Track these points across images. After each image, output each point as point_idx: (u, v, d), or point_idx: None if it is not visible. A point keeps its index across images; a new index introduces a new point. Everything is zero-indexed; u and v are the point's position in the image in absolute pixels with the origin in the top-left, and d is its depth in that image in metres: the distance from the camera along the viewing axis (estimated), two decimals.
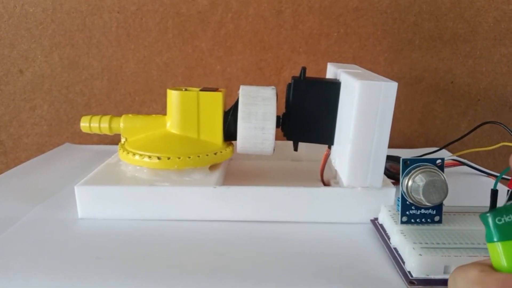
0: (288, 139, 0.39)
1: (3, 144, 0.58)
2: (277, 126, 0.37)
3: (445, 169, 0.29)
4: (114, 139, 0.52)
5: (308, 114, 0.37)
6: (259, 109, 0.36)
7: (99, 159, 0.46)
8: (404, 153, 0.46)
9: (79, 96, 0.56)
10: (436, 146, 0.54)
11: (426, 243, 0.27)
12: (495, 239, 0.19)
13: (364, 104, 0.31)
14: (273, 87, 0.38)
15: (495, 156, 0.55)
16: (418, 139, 0.58)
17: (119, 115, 0.41)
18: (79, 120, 0.41)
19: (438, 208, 0.30)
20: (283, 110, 0.38)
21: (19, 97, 0.56)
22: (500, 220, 0.19)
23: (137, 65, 0.55)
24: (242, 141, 0.37)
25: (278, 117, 0.37)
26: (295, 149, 0.39)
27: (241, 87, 0.37)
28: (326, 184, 0.40)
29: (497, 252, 0.19)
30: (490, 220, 0.19)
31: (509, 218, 0.19)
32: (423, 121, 0.59)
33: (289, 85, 0.37)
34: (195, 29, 0.54)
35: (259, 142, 0.37)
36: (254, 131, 0.36)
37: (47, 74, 0.55)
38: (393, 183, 0.35)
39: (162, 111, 0.40)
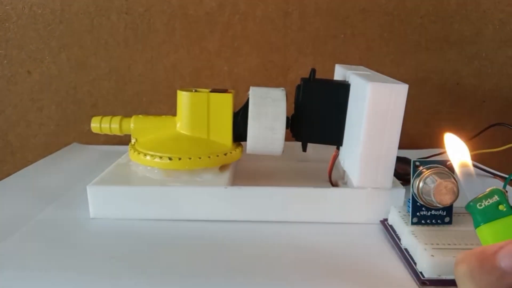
0: (297, 140, 0.39)
1: (10, 144, 0.58)
2: (286, 127, 0.37)
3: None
4: (121, 140, 0.52)
5: (317, 115, 0.38)
6: (269, 109, 0.36)
7: (107, 159, 0.46)
8: (410, 154, 0.46)
9: (86, 97, 0.57)
10: (441, 147, 0.54)
11: (437, 244, 0.27)
12: (480, 223, 0.21)
13: (375, 106, 0.31)
14: (282, 88, 0.38)
15: (501, 158, 0.55)
16: (423, 140, 0.59)
17: (126, 115, 0.41)
18: (87, 121, 0.41)
19: (449, 209, 0.30)
20: (290, 111, 0.38)
21: (27, 98, 0.57)
22: (480, 205, 0.21)
23: (145, 66, 0.56)
24: (252, 141, 0.37)
25: (287, 118, 0.37)
26: (304, 149, 0.39)
27: (251, 88, 0.38)
28: (334, 184, 0.40)
29: (484, 235, 0.21)
30: (473, 207, 0.21)
31: (488, 202, 0.21)
32: (429, 122, 0.59)
33: (298, 86, 0.38)
34: (202, 30, 0.54)
35: (268, 142, 0.37)
36: (264, 131, 0.37)
37: (54, 74, 0.56)
38: (401, 184, 0.36)
39: (169, 111, 0.41)
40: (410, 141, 0.58)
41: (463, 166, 0.26)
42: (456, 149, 0.27)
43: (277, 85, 0.39)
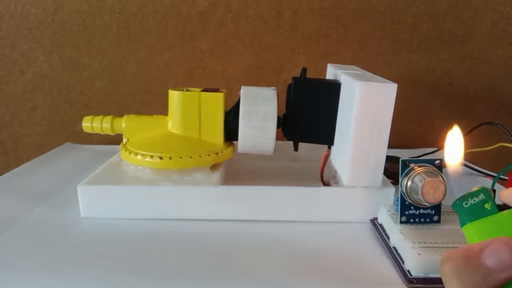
0: (289, 139, 0.39)
1: (3, 144, 0.58)
2: (278, 126, 0.38)
3: (443, 170, 0.30)
4: (114, 139, 0.52)
5: (309, 115, 0.38)
6: (260, 109, 0.36)
7: (99, 159, 0.46)
8: (402, 153, 0.46)
9: (79, 96, 0.57)
10: (434, 147, 0.55)
11: (425, 243, 0.28)
12: (466, 221, 0.21)
13: (364, 105, 0.31)
14: (273, 88, 0.38)
15: (492, 157, 0.55)
16: (416, 139, 0.59)
17: (119, 115, 0.41)
18: (80, 120, 0.41)
19: (437, 208, 0.30)
20: (282, 110, 0.38)
21: (20, 97, 0.56)
22: (466, 204, 0.21)
23: (138, 65, 0.56)
24: (243, 141, 0.37)
25: (278, 118, 0.37)
26: (295, 149, 0.39)
27: (242, 87, 0.38)
28: (325, 184, 0.40)
29: (470, 233, 0.21)
30: (459, 205, 0.21)
31: (474, 201, 0.21)
32: (421, 122, 0.59)
33: (289, 86, 0.38)
34: (195, 30, 0.54)
35: (260, 142, 0.37)
36: (255, 130, 0.37)
37: (47, 74, 0.56)
38: (392, 183, 0.36)
39: (163, 111, 0.41)
40: (403, 140, 0.58)
41: (455, 165, 0.27)
42: (454, 145, 0.27)
43: (270, 85, 0.40)
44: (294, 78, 0.37)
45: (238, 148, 0.38)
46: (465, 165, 0.46)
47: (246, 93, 0.37)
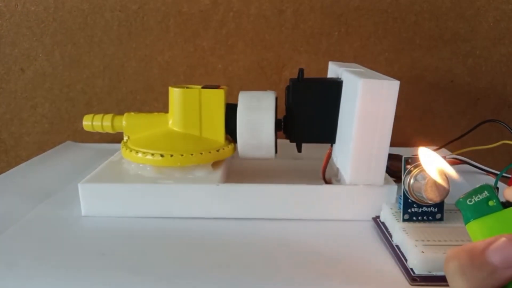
0: (291, 141, 0.39)
1: (4, 142, 0.58)
2: (279, 129, 0.37)
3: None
4: (115, 137, 0.52)
5: (309, 115, 0.37)
6: (258, 115, 0.36)
7: (100, 157, 0.46)
8: (404, 152, 0.46)
9: (80, 95, 0.57)
10: (436, 145, 0.54)
11: (428, 240, 0.27)
12: (470, 219, 0.21)
13: (366, 103, 0.31)
14: (272, 92, 0.38)
15: (494, 155, 0.55)
16: (418, 137, 0.59)
17: (120, 113, 0.41)
18: (80, 119, 0.41)
19: (440, 206, 0.30)
20: (283, 111, 0.38)
21: (20, 96, 0.56)
22: (470, 201, 0.21)
23: (139, 63, 0.55)
24: (243, 148, 0.37)
25: (279, 120, 0.37)
26: (299, 150, 0.39)
27: (240, 93, 0.38)
28: (327, 182, 0.40)
29: (474, 230, 0.21)
30: (462, 203, 0.21)
31: (478, 198, 0.21)
32: (423, 120, 0.59)
33: (287, 88, 0.37)
34: (196, 28, 0.54)
35: (259, 148, 0.37)
36: (254, 137, 0.36)
37: (48, 72, 0.56)
38: (394, 181, 0.36)
39: (164, 109, 0.41)
40: (404, 138, 0.58)
41: (442, 173, 0.27)
42: (431, 161, 0.27)
43: (271, 83, 0.39)
44: (292, 80, 0.37)
45: (239, 154, 0.38)
46: (467, 163, 0.46)
47: (244, 99, 0.37)
